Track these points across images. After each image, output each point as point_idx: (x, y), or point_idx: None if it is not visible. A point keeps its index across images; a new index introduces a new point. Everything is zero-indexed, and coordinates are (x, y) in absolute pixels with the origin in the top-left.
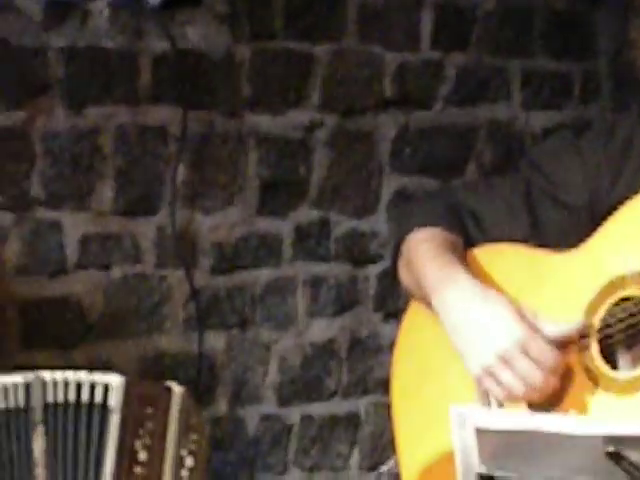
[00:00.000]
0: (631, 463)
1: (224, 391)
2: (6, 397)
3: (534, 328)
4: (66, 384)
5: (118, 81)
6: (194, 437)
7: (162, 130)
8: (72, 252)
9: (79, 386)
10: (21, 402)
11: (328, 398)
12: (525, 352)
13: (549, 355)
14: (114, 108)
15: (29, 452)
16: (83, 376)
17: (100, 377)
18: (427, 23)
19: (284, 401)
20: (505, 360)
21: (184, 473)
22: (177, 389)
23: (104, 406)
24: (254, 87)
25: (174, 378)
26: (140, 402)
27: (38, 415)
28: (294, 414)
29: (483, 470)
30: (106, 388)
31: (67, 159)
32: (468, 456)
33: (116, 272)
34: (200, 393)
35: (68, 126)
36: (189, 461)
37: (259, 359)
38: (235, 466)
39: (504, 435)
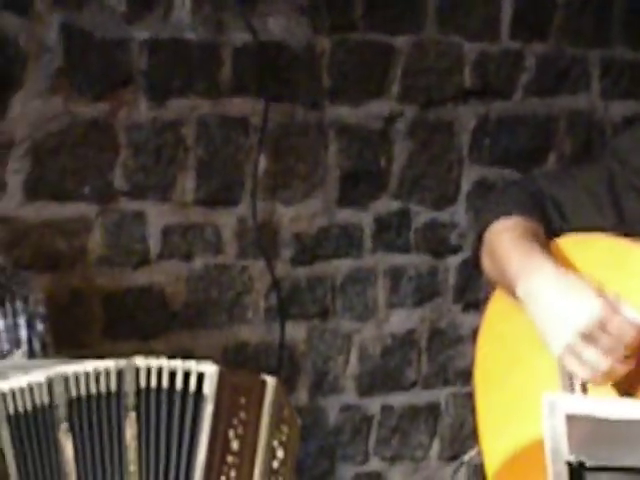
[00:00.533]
0: None
1: (305, 381)
2: (97, 382)
3: (615, 307)
4: (159, 371)
5: (200, 73)
6: (285, 429)
7: (243, 121)
8: (155, 242)
9: (173, 374)
10: (113, 387)
11: (408, 388)
12: (605, 329)
13: (629, 330)
14: (196, 100)
15: (121, 437)
16: (177, 364)
17: (194, 365)
18: (507, 13)
19: (364, 391)
20: (587, 337)
21: (275, 464)
22: (270, 380)
23: (198, 394)
24: (334, 78)
25: (255, 368)
26: (234, 392)
27: (131, 400)
28: (374, 404)
29: (572, 458)
30: (200, 376)
31: (150, 150)
32: (558, 444)
33: (198, 262)
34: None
35: (151, 118)
36: (280, 453)
37: (339, 349)
38: (315, 456)
39: (595, 423)
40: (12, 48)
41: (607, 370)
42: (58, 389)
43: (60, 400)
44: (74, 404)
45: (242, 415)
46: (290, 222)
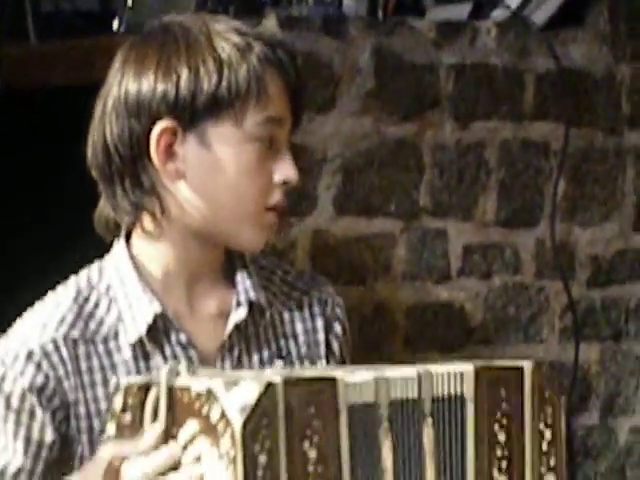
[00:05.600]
0: None
1: (596, 402)
2: (407, 387)
3: None
4: (445, 377)
5: (503, 97)
6: (549, 410)
7: (544, 145)
8: (455, 260)
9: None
10: (415, 393)
11: None
12: None
13: None
14: (499, 123)
15: (420, 441)
16: (442, 368)
17: (453, 367)
18: None
19: None
20: None
21: (544, 446)
22: (526, 365)
23: (461, 395)
24: (634, 105)
25: None
26: (492, 386)
27: (427, 407)
28: None
29: None
30: (460, 377)
31: (454, 171)
32: None
33: (497, 281)
34: (573, 402)
35: (455, 139)
36: (547, 434)
37: (631, 372)
38: (605, 476)
39: None
40: (327, 70)
41: None
42: (382, 390)
43: (383, 401)
44: (393, 405)
45: (504, 407)
46: (587, 245)
